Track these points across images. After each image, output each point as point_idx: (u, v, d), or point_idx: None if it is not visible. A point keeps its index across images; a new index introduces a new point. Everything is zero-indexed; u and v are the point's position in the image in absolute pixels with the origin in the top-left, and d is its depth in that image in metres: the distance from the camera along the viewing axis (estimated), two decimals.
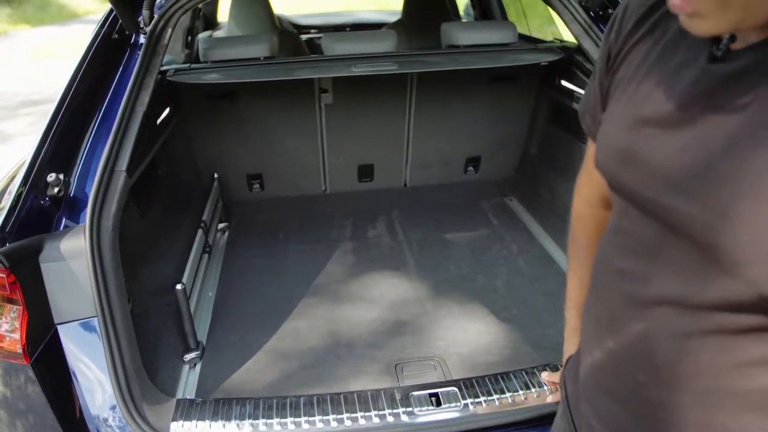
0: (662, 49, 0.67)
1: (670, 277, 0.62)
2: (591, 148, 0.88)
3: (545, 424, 1.37)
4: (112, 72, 1.73)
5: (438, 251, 2.30)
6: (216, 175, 2.49)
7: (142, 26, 1.83)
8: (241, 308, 1.96)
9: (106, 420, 1.35)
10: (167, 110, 2.10)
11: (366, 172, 2.72)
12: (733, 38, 0.58)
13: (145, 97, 1.64)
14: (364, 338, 1.79)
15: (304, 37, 3.69)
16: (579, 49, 2.07)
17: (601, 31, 1.93)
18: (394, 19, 3.81)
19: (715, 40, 0.60)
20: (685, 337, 0.62)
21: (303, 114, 2.47)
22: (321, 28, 4.13)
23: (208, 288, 2.06)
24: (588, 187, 0.96)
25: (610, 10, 2.00)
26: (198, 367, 1.69)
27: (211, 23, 3.97)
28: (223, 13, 4.24)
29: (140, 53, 1.71)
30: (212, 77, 2.03)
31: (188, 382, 1.63)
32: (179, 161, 2.29)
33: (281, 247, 2.36)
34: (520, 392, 1.41)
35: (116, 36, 1.81)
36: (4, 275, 1.24)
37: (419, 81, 2.47)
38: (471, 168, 2.82)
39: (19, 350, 1.25)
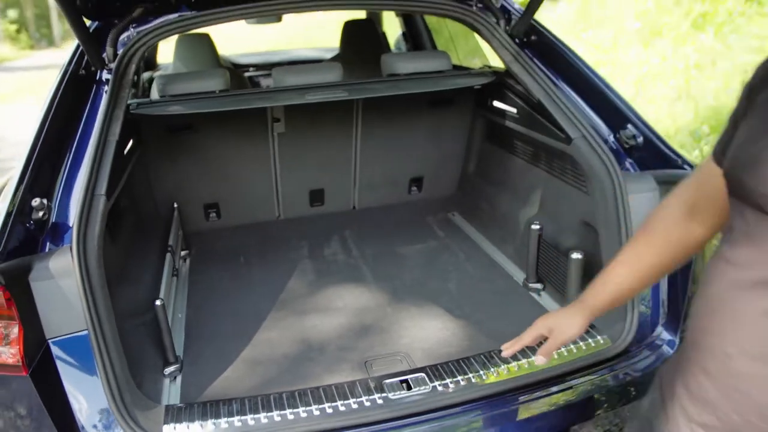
0: None
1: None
2: (707, 166, 1.03)
3: (505, 397, 1.54)
4: (81, 106, 1.83)
5: (391, 263, 2.46)
6: (176, 205, 2.58)
7: (106, 63, 1.95)
8: (212, 326, 2.05)
9: (99, 427, 1.43)
10: (130, 143, 2.19)
11: (317, 196, 2.87)
12: None
13: (116, 128, 1.75)
14: (333, 342, 1.92)
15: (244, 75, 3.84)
16: (508, 73, 2.31)
17: (528, 56, 2.17)
18: (329, 55, 4.02)
19: None
20: None
21: (257, 143, 2.60)
22: (259, 66, 4.29)
23: (177, 310, 2.14)
24: (689, 191, 1.09)
25: (533, 37, 2.26)
26: (178, 379, 1.77)
27: (151, 64, 4.07)
28: (161, 55, 4.35)
29: (108, 87, 1.83)
30: (175, 109, 2.15)
31: (171, 394, 1.71)
32: (143, 191, 2.37)
33: (244, 270, 2.47)
34: (481, 372, 1.59)
35: (83, 72, 1.92)
36: (0, 292, 1.32)
37: (365, 108, 2.66)
38: (415, 188, 3.01)
39: (19, 362, 1.32)
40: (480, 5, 2.27)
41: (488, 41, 2.25)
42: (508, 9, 2.31)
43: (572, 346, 1.68)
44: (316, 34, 15.33)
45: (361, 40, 3.58)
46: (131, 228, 2.10)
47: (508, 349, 1.32)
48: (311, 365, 1.80)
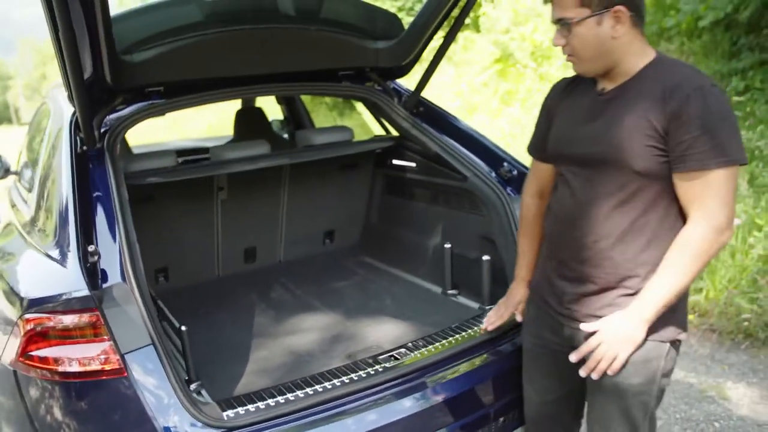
0: (575, 96, 1.73)
1: (582, 189, 1.65)
2: (535, 165, 1.96)
3: (454, 361, 2.13)
4: (86, 176, 2.18)
5: (333, 295, 2.99)
6: None
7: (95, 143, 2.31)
8: (207, 355, 2.41)
9: (175, 420, 1.78)
10: None
11: (250, 254, 3.32)
12: (605, 87, 1.64)
13: (125, 192, 2.15)
14: (316, 348, 2.40)
15: None
16: (404, 137, 3.02)
17: (420, 122, 2.90)
18: (223, 141, 4.51)
19: (599, 87, 1.66)
20: (601, 210, 1.63)
21: (203, 210, 3.04)
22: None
23: None
24: (533, 186, 2.00)
25: (421, 108, 3.00)
26: (204, 393, 2.13)
27: None
28: None
29: (109, 162, 2.21)
30: (152, 179, 2.56)
31: None
32: None
33: (208, 317, 2.83)
34: (438, 343, 2.19)
35: (80, 150, 2.27)
36: (96, 314, 1.69)
37: (291, 175, 3.22)
38: (328, 240, 3.59)
39: (121, 366, 1.68)
40: (379, 88, 2.98)
41: (388, 114, 2.96)
42: (398, 90, 3.05)
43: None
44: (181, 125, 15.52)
45: (253, 125, 4.14)
46: None
47: (491, 325, 2.18)
48: (308, 365, 2.27)
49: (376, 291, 3.01)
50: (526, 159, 2.26)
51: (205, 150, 3.73)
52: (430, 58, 2.79)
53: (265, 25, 2.48)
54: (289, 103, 4.63)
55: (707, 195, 1.52)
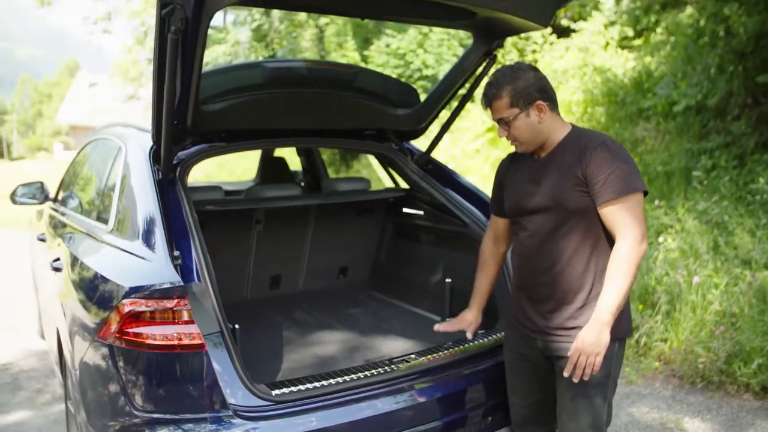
0: (518, 166, 2.34)
1: (535, 229, 2.24)
2: (493, 219, 2.58)
3: (462, 361, 2.64)
4: (162, 198, 2.68)
5: (348, 319, 3.49)
6: None
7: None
8: (244, 357, 2.88)
9: (236, 394, 2.25)
10: None
11: (275, 281, 3.83)
12: (539, 155, 2.23)
13: (195, 214, 2.66)
14: (338, 356, 2.89)
15: None
16: (414, 189, 3.59)
17: (429, 177, 3.47)
18: (245, 186, 5.06)
19: (534, 156, 2.25)
20: (551, 243, 2.22)
21: (242, 239, 3.56)
22: None
23: None
24: (491, 235, 2.60)
25: (430, 166, 3.59)
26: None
27: None
28: None
29: (181, 189, 2.71)
30: (210, 207, 3.10)
31: None
32: None
33: (240, 330, 3.30)
34: (441, 352, 2.69)
35: (158, 177, 2.78)
36: (185, 300, 2.19)
37: (317, 216, 3.77)
38: (341, 275, 4.10)
39: (201, 343, 2.17)
40: (396, 147, 3.57)
41: (402, 169, 3.53)
42: (410, 149, 3.64)
43: (478, 341, 2.83)
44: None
45: (278, 172, 4.72)
46: None
47: (438, 327, 2.73)
48: (333, 366, 2.75)
49: (386, 317, 3.52)
50: None
51: (239, 192, 4.28)
52: (439, 125, 3.42)
53: (310, 90, 3.09)
54: (308, 156, 5.21)
55: (624, 218, 2.06)
